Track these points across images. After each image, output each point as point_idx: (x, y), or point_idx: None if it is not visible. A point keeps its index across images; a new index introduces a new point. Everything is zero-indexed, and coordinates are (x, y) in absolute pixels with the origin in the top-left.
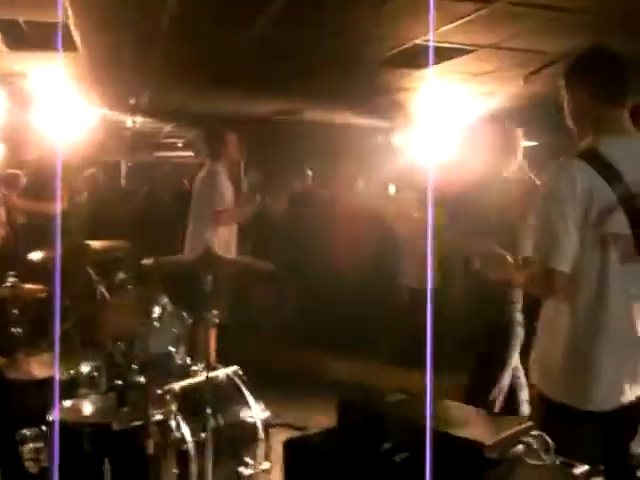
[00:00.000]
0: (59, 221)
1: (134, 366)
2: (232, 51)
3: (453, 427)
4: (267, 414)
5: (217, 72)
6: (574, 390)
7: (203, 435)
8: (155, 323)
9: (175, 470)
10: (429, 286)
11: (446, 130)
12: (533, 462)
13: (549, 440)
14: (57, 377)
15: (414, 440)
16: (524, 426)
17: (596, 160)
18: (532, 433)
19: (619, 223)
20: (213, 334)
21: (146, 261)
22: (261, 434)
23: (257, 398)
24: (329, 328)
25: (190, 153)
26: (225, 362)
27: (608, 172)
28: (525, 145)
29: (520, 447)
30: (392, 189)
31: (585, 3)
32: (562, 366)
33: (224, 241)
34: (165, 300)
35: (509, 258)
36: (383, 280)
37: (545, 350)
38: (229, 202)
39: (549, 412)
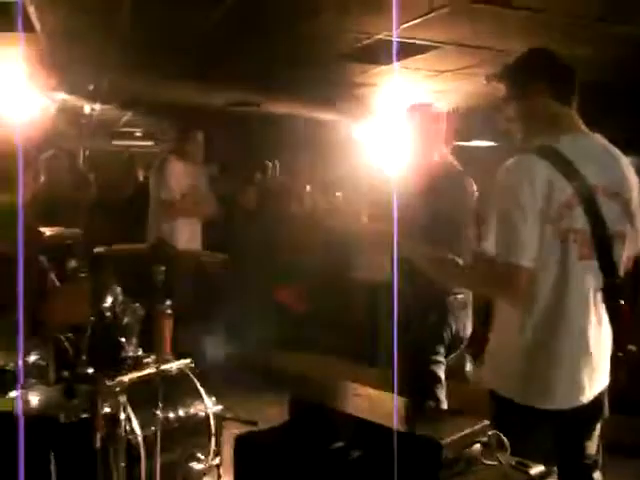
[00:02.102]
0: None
1: (83, 357)
2: (190, 39)
3: (410, 425)
4: (219, 408)
5: (175, 60)
6: (532, 389)
7: (153, 428)
8: (107, 313)
9: (124, 464)
10: (395, 287)
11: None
12: (489, 462)
13: (505, 440)
14: (20, 365)
15: (367, 438)
16: (480, 425)
17: (553, 156)
18: (488, 433)
19: (577, 219)
20: (168, 326)
21: (99, 249)
22: (213, 428)
23: (209, 391)
24: (289, 324)
25: (148, 142)
26: (179, 354)
27: (566, 168)
28: (485, 145)
29: (477, 446)
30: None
31: (548, 4)
32: (519, 365)
33: (187, 232)
34: (118, 290)
35: (459, 261)
36: (338, 276)
37: (500, 348)
38: (181, 194)
39: (503, 411)
